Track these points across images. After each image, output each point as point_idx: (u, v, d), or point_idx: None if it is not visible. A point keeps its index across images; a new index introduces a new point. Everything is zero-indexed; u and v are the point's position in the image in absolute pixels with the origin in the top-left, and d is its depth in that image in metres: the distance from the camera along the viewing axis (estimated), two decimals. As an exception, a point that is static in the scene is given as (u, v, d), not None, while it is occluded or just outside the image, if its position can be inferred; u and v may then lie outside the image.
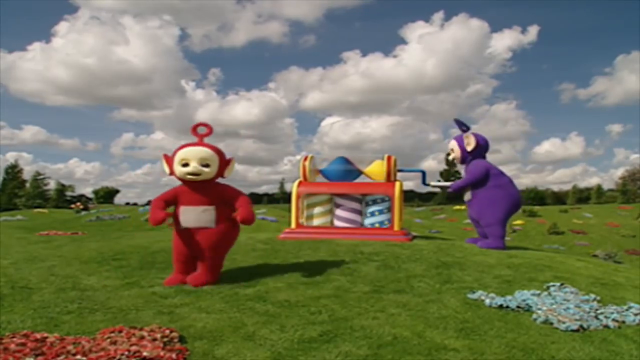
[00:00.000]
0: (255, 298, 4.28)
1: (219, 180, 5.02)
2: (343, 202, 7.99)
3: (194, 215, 4.82)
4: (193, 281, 4.73)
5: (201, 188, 4.85)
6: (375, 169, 8.28)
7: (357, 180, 8.32)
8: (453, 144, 7.76)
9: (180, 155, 4.80)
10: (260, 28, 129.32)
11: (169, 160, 4.90)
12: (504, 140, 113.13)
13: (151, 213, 4.74)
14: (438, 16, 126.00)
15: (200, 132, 5.06)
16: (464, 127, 7.69)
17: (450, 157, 8.13)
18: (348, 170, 8.27)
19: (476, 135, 7.47)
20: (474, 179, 7.36)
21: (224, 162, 4.98)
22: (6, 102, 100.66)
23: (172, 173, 4.89)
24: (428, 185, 8.73)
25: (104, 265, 5.62)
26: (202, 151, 4.82)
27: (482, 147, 7.49)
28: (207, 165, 4.80)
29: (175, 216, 4.89)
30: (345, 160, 8.30)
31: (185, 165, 4.76)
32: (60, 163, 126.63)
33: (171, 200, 4.90)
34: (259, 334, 3.39)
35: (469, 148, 7.42)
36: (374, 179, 8.24)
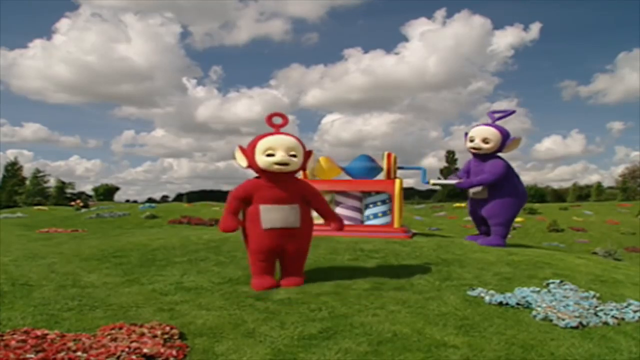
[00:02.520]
0: (255, 295, 4.28)
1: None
2: (343, 200, 7.99)
3: (280, 215, 4.43)
4: (291, 284, 4.55)
5: (284, 182, 4.46)
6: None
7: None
8: (494, 133, 7.06)
9: (266, 143, 4.37)
10: (262, 26, 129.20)
11: (246, 151, 4.50)
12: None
13: (223, 220, 4.40)
14: (440, 13, 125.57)
15: (276, 123, 4.66)
16: (507, 114, 7.42)
17: (475, 144, 7.13)
18: (371, 168, 8.07)
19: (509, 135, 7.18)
20: (495, 179, 7.03)
21: (306, 154, 4.62)
22: (7, 100, 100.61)
23: (250, 166, 4.48)
24: (427, 183, 8.37)
25: (104, 262, 5.63)
26: (290, 140, 4.44)
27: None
28: (294, 155, 4.41)
29: (253, 215, 4.46)
30: (369, 158, 8.16)
31: (271, 155, 4.34)
32: (60, 160, 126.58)
33: (246, 198, 4.48)
34: (259, 331, 3.39)
35: (508, 151, 7.17)
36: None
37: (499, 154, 7.30)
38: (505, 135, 7.17)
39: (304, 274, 4.82)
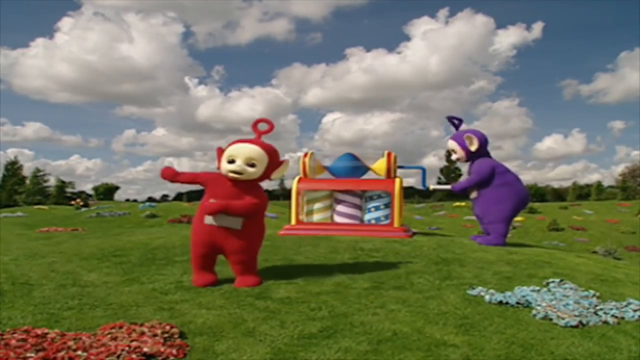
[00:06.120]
0: (255, 294, 4.29)
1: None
2: (343, 199, 8.00)
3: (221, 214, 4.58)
4: (243, 285, 4.59)
5: (239, 186, 4.61)
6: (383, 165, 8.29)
7: (364, 177, 8.34)
8: (453, 145, 7.58)
9: (229, 151, 4.61)
10: (265, 26, 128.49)
11: (220, 155, 4.73)
12: (506, 137, 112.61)
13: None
14: (443, 12, 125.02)
15: (261, 129, 4.84)
16: (456, 120, 7.67)
17: (454, 158, 7.77)
18: (355, 167, 8.22)
19: (475, 133, 7.42)
20: (480, 179, 7.26)
21: (274, 164, 4.73)
22: (9, 99, 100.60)
23: (219, 168, 4.73)
24: (427, 188, 8.49)
25: (104, 261, 5.63)
26: (251, 149, 4.59)
27: (483, 144, 7.44)
28: (252, 165, 4.57)
29: (201, 208, 4.66)
30: (353, 157, 8.27)
31: (231, 162, 4.55)
32: (61, 160, 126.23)
33: (201, 184, 4.74)
34: (259, 330, 3.39)
35: (473, 148, 7.32)
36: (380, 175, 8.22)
37: (487, 150, 7.54)
38: (459, 140, 7.46)
39: (259, 274, 4.82)
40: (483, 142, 7.44)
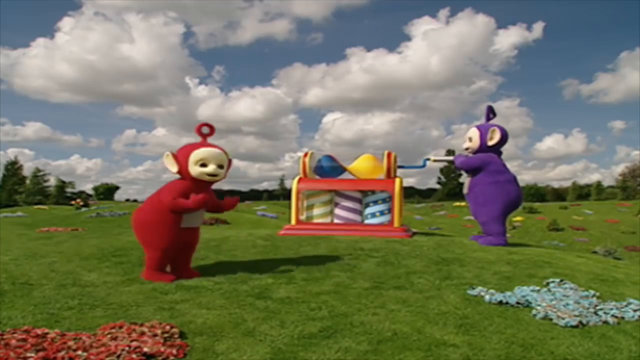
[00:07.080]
0: (255, 294, 4.29)
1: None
2: (343, 199, 7.99)
3: (198, 215, 4.94)
4: (192, 276, 4.90)
5: (206, 189, 4.90)
6: (361, 165, 8.24)
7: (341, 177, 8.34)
8: (474, 133, 7.36)
9: (199, 155, 4.73)
10: (266, 26, 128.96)
11: (178, 158, 4.77)
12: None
13: (198, 200, 4.62)
14: (444, 12, 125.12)
15: (204, 132, 5.02)
16: (491, 114, 7.55)
17: (465, 146, 7.52)
18: (333, 167, 8.25)
19: (501, 130, 7.25)
20: (471, 165, 7.27)
21: (229, 164, 5.04)
22: (9, 99, 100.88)
23: (180, 172, 4.79)
24: (428, 160, 8.46)
25: (104, 261, 5.63)
26: (220, 153, 4.84)
27: (502, 142, 7.32)
28: (221, 167, 4.85)
29: (172, 214, 4.75)
30: (330, 158, 8.29)
31: (204, 165, 4.73)
32: (61, 159, 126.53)
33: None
34: (259, 330, 3.40)
35: (491, 143, 7.19)
36: (358, 176, 8.18)
37: (500, 150, 7.43)
38: (483, 131, 7.30)
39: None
40: (503, 140, 7.32)
